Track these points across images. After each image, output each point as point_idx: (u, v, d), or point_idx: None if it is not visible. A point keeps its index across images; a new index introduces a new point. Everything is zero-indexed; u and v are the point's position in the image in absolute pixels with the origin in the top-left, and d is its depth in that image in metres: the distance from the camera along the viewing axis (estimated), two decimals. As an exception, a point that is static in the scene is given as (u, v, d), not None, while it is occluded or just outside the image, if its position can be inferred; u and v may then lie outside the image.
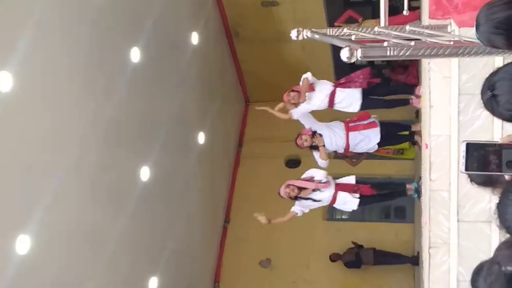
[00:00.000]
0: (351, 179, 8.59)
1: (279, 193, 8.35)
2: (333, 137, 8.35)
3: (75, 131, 7.30)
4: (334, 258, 11.01)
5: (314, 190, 8.30)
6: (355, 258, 10.84)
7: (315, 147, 8.42)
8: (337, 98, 8.30)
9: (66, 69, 7.14)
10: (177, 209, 9.98)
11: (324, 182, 8.32)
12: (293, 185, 8.30)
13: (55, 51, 6.96)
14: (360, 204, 8.48)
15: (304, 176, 8.51)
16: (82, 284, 7.52)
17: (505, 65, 2.23)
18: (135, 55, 8.50)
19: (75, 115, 7.33)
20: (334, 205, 8.48)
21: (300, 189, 8.29)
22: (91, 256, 7.68)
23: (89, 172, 7.62)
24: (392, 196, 9.29)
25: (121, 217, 8.23)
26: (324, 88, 8.36)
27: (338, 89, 8.33)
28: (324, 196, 8.33)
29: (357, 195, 8.38)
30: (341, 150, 8.56)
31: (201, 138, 11.05)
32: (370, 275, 11.10)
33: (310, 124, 8.45)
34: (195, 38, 10.64)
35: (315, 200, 8.33)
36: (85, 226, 7.54)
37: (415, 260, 10.02)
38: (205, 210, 11.15)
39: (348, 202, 8.41)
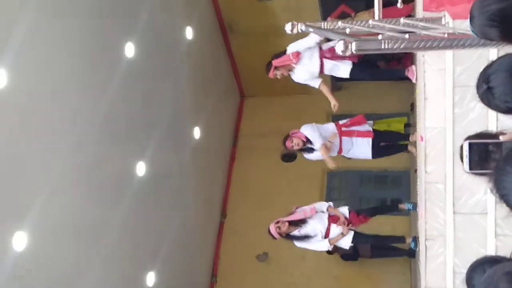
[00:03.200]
0: (344, 210, 8.44)
1: (270, 234, 8.24)
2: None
3: (70, 127, 7.29)
4: (331, 250, 11.01)
5: (302, 223, 8.19)
6: (352, 250, 10.86)
7: (306, 149, 8.31)
8: (326, 67, 8.09)
9: (60, 64, 7.12)
10: (173, 204, 9.98)
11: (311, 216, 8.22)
12: (283, 221, 8.18)
13: (50, 47, 6.94)
14: (354, 240, 8.41)
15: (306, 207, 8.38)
16: (79, 279, 7.51)
17: (499, 58, 2.23)
18: (129, 50, 8.48)
19: (71, 110, 7.31)
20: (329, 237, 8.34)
21: (292, 224, 8.17)
22: (89, 252, 7.68)
23: (85, 167, 7.62)
24: (389, 241, 9.41)
25: (117, 212, 8.23)
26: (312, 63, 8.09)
27: (325, 60, 8.10)
28: (314, 228, 8.19)
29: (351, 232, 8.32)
30: (334, 154, 8.34)
31: (196, 133, 11.04)
32: (367, 268, 11.13)
33: (315, 137, 8.25)
34: (189, 33, 10.63)
35: (310, 237, 8.18)
36: (82, 221, 7.54)
37: (411, 253, 10.04)
38: (201, 205, 11.15)
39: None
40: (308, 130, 8.18)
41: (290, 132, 8.34)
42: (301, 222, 8.18)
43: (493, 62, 2.24)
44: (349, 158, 8.73)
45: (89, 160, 7.68)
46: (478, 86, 2.22)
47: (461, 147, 2.30)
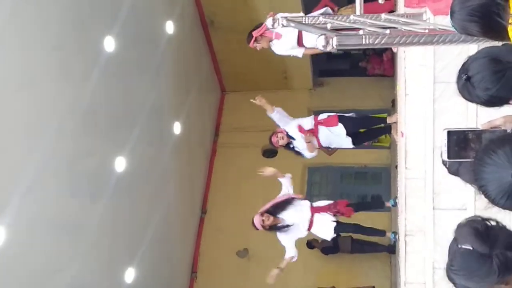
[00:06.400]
0: (327, 202, 8.51)
1: (253, 225, 8.14)
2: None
3: (50, 120, 7.19)
4: (311, 244, 11.02)
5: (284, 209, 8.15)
6: (332, 243, 10.88)
7: (291, 148, 8.42)
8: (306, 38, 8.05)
9: (39, 57, 7.03)
10: (153, 200, 9.92)
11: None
12: (267, 211, 8.10)
13: (30, 39, 6.84)
14: (336, 230, 8.36)
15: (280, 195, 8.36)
16: (58, 274, 7.45)
17: (476, 52, 2.24)
18: (109, 44, 8.39)
19: (50, 103, 7.22)
20: (311, 230, 8.29)
21: (274, 213, 8.13)
22: (67, 247, 7.61)
23: (64, 162, 7.53)
24: (370, 232, 9.28)
25: (97, 207, 8.15)
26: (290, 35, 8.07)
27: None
28: (299, 218, 8.15)
29: (334, 218, 8.27)
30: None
31: (177, 128, 10.98)
32: (347, 263, 11.16)
33: (283, 124, 8.37)
34: (170, 27, 10.54)
35: (289, 225, 8.11)
36: (60, 216, 7.46)
37: (391, 249, 10.09)
38: (181, 200, 11.10)
39: (325, 226, 8.25)
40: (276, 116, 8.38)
41: (277, 129, 8.43)
42: (282, 209, 8.16)
43: (470, 56, 2.25)
44: (332, 149, 8.77)
45: (68, 155, 7.60)
46: (458, 79, 2.22)
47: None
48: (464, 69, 2.19)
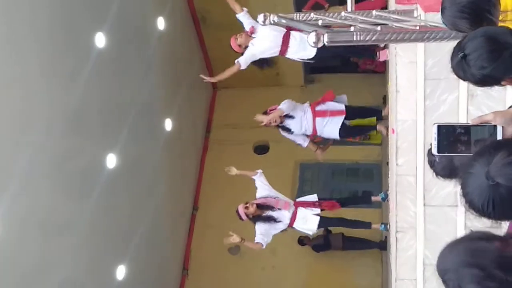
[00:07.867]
0: (312, 197, 8.49)
1: (238, 214, 8.15)
2: (304, 120, 8.27)
3: (40, 117, 7.17)
4: (303, 241, 11.01)
5: (273, 209, 8.11)
6: (323, 241, 10.90)
7: (284, 128, 8.35)
8: (292, 42, 7.97)
9: (30, 54, 7.00)
10: (145, 197, 9.90)
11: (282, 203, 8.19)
12: (252, 202, 8.10)
13: (17, 36, 6.81)
14: (320, 224, 8.31)
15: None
16: (48, 273, 7.42)
17: (473, 31, 2.23)
18: (100, 40, 8.36)
19: (40, 100, 7.20)
20: (294, 226, 8.22)
21: (260, 207, 8.08)
22: (58, 245, 7.58)
23: (54, 159, 7.51)
24: (355, 225, 9.15)
25: (87, 205, 8.12)
26: (274, 36, 8.02)
27: (292, 32, 7.94)
28: (283, 215, 8.12)
29: (318, 211, 8.22)
30: (309, 133, 8.45)
31: (168, 124, 10.95)
32: (338, 260, 11.18)
33: (288, 107, 8.32)
34: (161, 24, 10.51)
35: (275, 220, 8.06)
36: (51, 214, 7.43)
37: (382, 245, 10.11)
38: (173, 197, 11.08)
39: (308, 219, 8.20)
40: (286, 104, 8.31)
41: (267, 109, 8.35)
42: (269, 208, 8.14)
43: (467, 35, 2.23)
44: (322, 139, 8.78)
45: (58, 152, 7.57)
46: (453, 57, 2.20)
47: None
48: (460, 47, 2.17)
